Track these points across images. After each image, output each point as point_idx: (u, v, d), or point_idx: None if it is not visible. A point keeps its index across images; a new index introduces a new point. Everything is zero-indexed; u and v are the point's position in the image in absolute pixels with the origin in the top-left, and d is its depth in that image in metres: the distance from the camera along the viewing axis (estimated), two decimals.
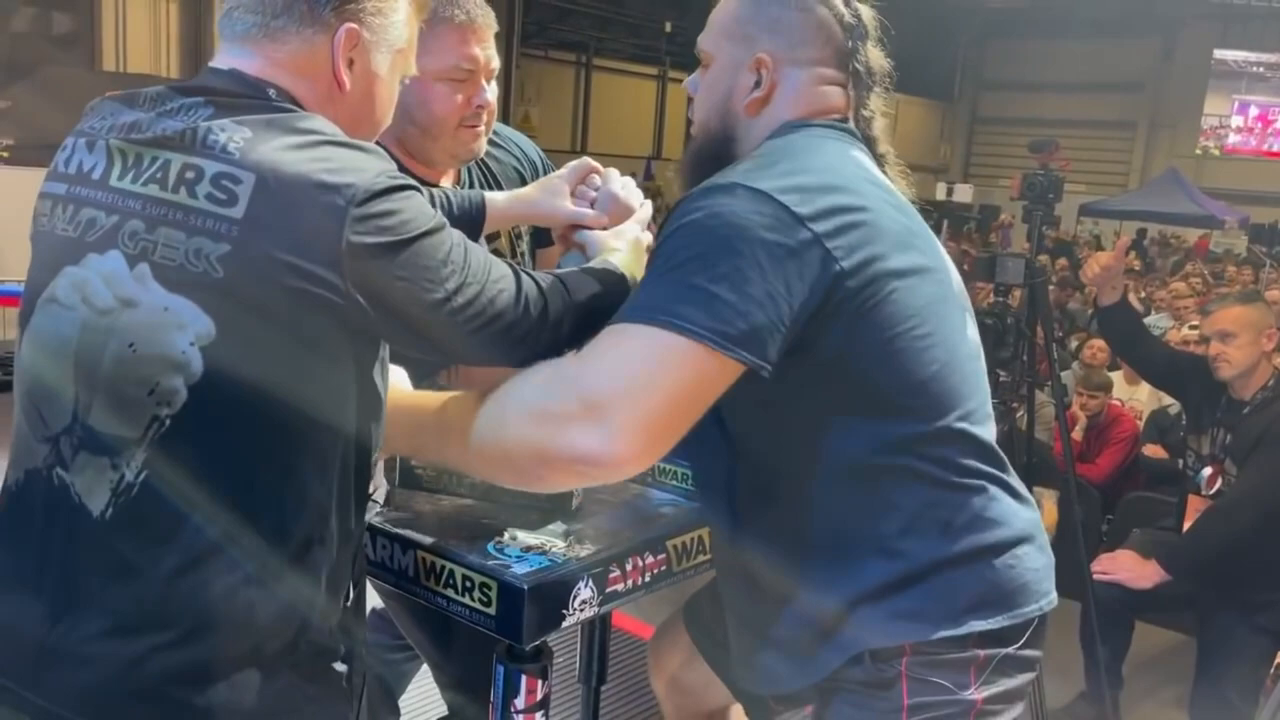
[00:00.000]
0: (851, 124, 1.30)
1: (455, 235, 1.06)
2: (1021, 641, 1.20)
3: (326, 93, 1.09)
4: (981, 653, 1.17)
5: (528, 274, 1.13)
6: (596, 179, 1.51)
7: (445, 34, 1.57)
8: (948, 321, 1.20)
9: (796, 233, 1.07)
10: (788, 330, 1.07)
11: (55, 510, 0.99)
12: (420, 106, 1.59)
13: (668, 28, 18.16)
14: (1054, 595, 1.24)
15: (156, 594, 0.97)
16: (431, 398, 1.23)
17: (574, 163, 1.56)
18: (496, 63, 1.66)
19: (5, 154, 7.74)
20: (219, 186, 0.97)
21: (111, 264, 1.00)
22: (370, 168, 0.99)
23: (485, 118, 1.66)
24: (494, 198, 1.55)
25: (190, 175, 0.98)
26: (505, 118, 15.56)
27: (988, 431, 1.23)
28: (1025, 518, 1.23)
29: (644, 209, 1.47)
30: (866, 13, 1.31)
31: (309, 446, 1.03)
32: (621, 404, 1.02)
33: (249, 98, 1.04)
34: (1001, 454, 1.24)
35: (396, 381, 1.22)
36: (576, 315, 1.14)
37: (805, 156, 1.19)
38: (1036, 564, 1.22)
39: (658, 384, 1.04)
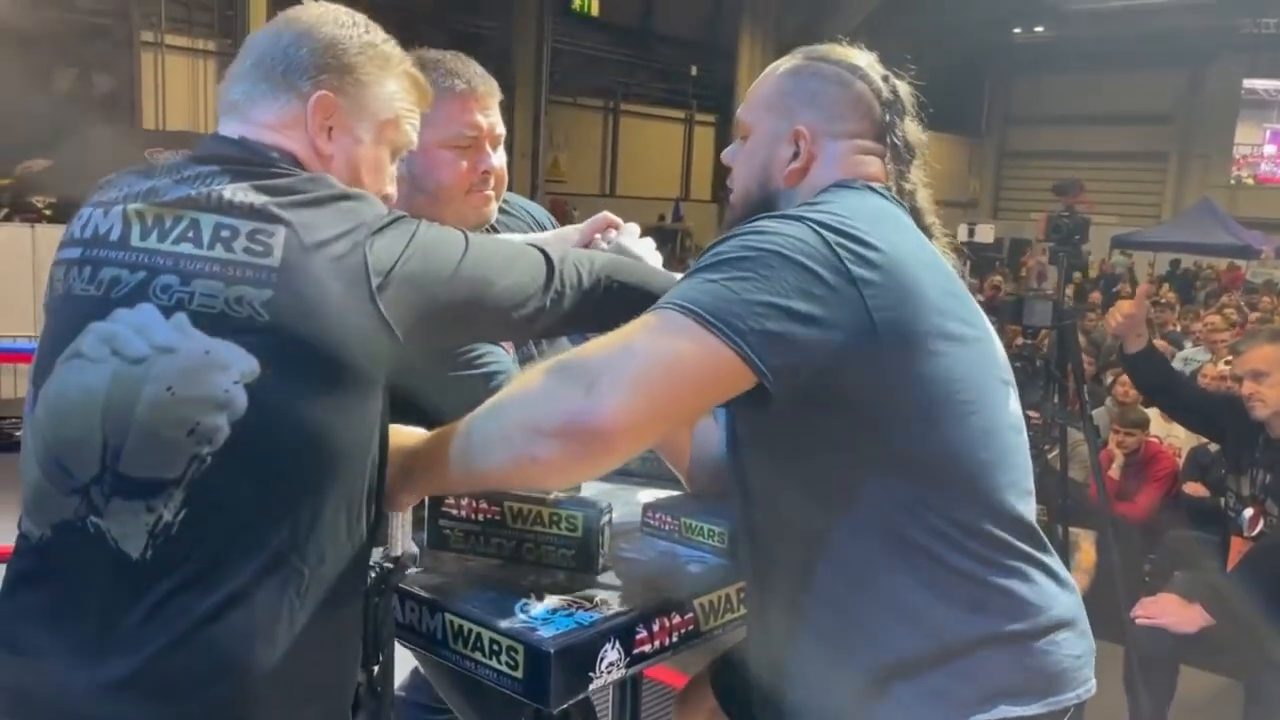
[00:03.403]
0: (894, 194, 1.31)
1: (458, 232, 1.17)
2: None
3: (315, 155, 1.17)
4: None
5: (553, 255, 1.24)
6: (613, 234, 1.53)
7: (446, 103, 1.59)
8: (990, 392, 1.19)
9: (835, 269, 1.08)
10: (802, 353, 1.06)
11: (93, 557, 1.02)
12: (427, 174, 1.62)
13: (694, 71, 18.36)
14: (1093, 683, 1.21)
15: (194, 636, 0.99)
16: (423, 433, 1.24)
17: (596, 216, 1.59)
18: (501, 129, 1.69)
19: (48, 211, 7.94)
20: (254, 240, 1.04)
21: (144, 316, 1.04)
22: (370, 210, 1.11)
23: (493, 183, 1.68)
24: (510, 237, 1.57)
25: (225, 234, 1.05)
26: (535, 163, 15.87)
27: (1027, 508, 1.21)
28: (1065, 602, 1.20)
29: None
30: (904, 89, 1.33)
31: (343, 482, 1.07)
32: (609, 367, 1.02)
33: (258, 164, 1.11)
34: (1042, 535, 1.22)
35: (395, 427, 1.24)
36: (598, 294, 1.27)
37: (857, 209, 1.19)
38: (1076, 650, 1.20)
39: (647, 350, 1.04)
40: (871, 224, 1.15)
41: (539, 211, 1.98)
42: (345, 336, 1.04)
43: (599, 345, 1.07)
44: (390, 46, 1.23)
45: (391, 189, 1.26)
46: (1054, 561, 1.22)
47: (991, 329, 1.26)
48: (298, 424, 1.03)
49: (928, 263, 1.19)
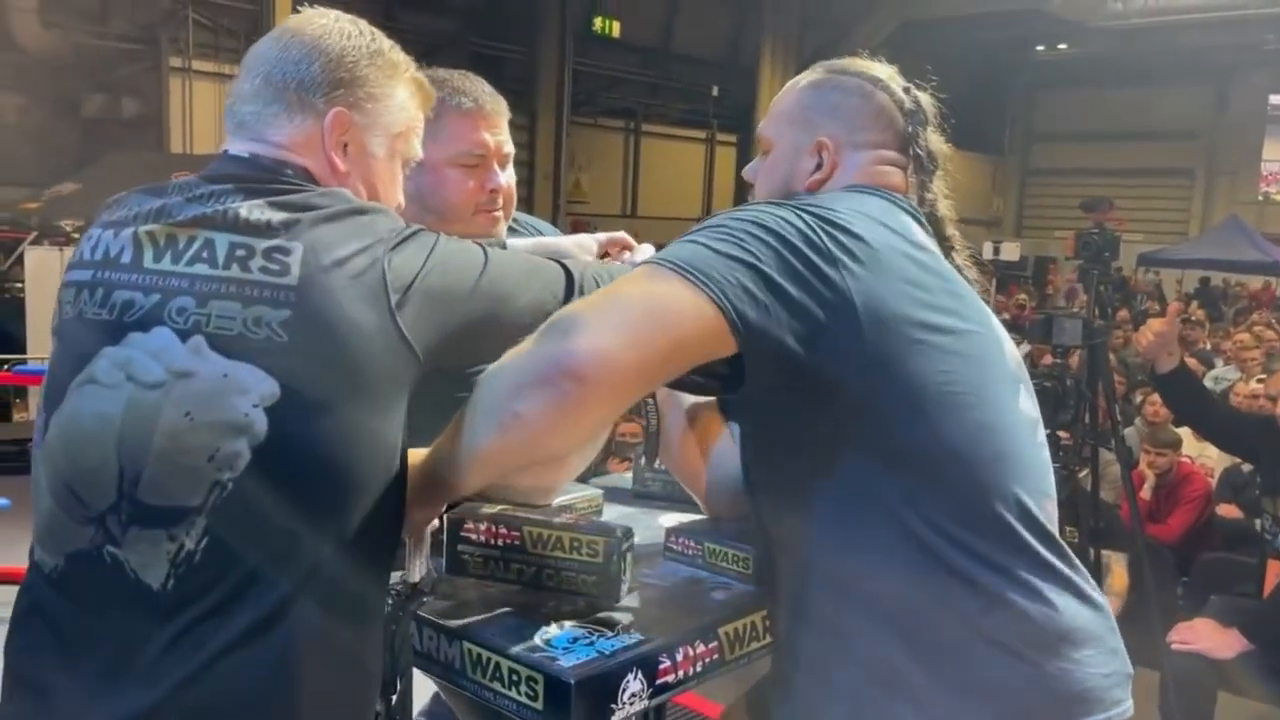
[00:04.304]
0: (914, 204, 1.29)
1: (477, 246, 1.16)
2: None
3: (331, 171, 1.15)
4: None
5: (574, 269, 1.22)
6: (627, 255, 1.52)
7: (454, 121, 1.59)
8: (991, 387, 1.15)
9: (815, 248, 1.09)
10: (777, 322, 1.05)
11: (111, 588, 1.00)
12: (434, 193, 1.61)
13: (715, 91, 18.41)
14: (1129, 705, 1.15)
15: (216, 667, 0.97)
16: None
17: (614, 233, 1.59)
18: (510, 148, 1.68)
19: (76, 234, 8.05)
20: (270, 259, 1.02)
21: (159, 340, 1.02)
22: (386, 224, 1.09)
23: (501, 202, 1.67)
24: (518, 242, 1.56)
25: (241, 253, 1.03)
26: (557, 184, 15.94)
27: (1045, 513, 1.16)
28: (1089, 617, 1.14)
29: None
30: (926, 99, 1.33)
31: (365, 505, 1.04)
32: (588, 313, 1.03)
33: (270, 181, 1.09)
34: (1064, 545, 1.17)
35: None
36: None
37: (847, 203, 1.19)
38: (1103, 669, 1.13)
39: (625, 297, 1.04)
40: (858, 216, 1.15)
41: (548, 229, 1.96)
42: (365, 356, 1.02)
43: (582, 300, 1.09)
44: (397, 54, 1.21)
45: (403, 199, 1.25)
46: (1077, 575, 1.16)
47: (998, 328, 1.23)
48: (319, 447, 1.01)
49: (917, 259, 1.16)
